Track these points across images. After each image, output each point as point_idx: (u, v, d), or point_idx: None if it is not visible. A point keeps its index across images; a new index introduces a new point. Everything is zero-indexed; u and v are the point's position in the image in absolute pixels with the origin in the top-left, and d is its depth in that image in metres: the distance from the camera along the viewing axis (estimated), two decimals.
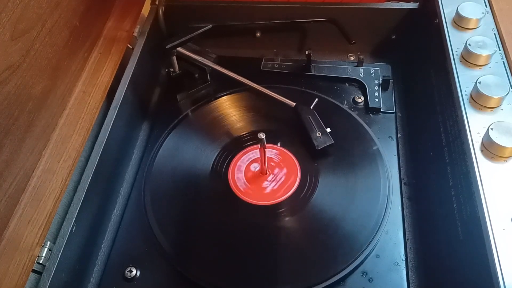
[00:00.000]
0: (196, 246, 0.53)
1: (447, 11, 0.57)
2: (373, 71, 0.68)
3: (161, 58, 0.74)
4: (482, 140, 0.43)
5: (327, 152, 0.58)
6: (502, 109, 0.45)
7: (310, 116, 0.60)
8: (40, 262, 0.44)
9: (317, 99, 0.62)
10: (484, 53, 0.49)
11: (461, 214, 0.43)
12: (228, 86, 0.68)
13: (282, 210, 0.54)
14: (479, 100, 0.46)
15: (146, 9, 0.73)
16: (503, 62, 0.50)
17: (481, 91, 0.45)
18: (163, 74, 0.74)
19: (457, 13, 0.55)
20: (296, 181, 0.56)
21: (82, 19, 0.59)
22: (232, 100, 0.67)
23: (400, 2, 0.69)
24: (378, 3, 0.69)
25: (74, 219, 0.47)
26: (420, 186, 0.56)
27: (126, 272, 0.50)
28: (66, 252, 0.46)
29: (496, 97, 0.45)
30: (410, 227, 0.53)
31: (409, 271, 0.49)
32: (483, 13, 0.54)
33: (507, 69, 0.49)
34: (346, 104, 0.65)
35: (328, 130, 0.59)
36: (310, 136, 0.58)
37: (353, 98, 0.66)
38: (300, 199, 0.55)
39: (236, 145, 0.61)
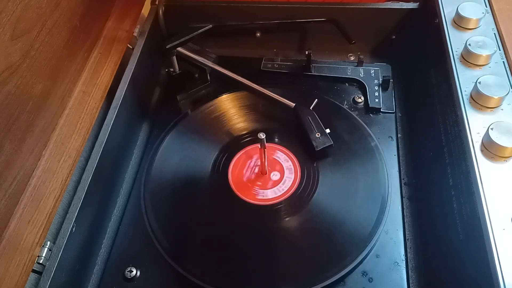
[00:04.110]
0: (196, 246, 0.53)
1: (447, 11, 0.57)
2: (373, 71, 0.68)
3: (161, 58, 0.74)
4: (482, 140, 0.43)
5: (327, 153, 0.58)
6: (502, 109, 0.45)
7: (309, 117, 0.60)
8: (40, 262, 0.44)
9: (316, 99, 0.62)
10: (484, 53, 0.49)
11: (461, 214, 0.43)
12: (228, 86, 0.68)
13: (282, 210, 0.54)
14: (479, 100, 0.46)
15: (146, 9, 0.73)
16: (503, 62, 0.50)
17: (481, 91, 0.45)
18: (163, 74, 0.74)
19: (457, 13, 0.55)
20: (296, 181, 0.56)
21: (82, 19, 0.59)
22: (232, 100, 0.67)
23: (400, 2, 0.69)
24: (378, 3, 0.69)
25: (74, 219, 0.47)
26: (420, 186, 0.56)
27: (126, 272, 0.50)
28: (66, 252, 0.46)
29: (496, 97, 0.45)
30: (410, 227, 0.53)
31: (409, 271, 0.49)
32: (483, 13, 0.54)
33: (507, 69, 0.49)
34: (346, 104, 0.65)
35: (328, 131, 0.59)
36: (310, 137, 0.58)
37: (353, 98, 0.66)
38: (300, 199, 0.55)
39: (236, 145, 0.61)
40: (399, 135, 0.62)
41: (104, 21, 0.67)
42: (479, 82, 0.46)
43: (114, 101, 0.58)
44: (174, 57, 0.65)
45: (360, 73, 0.68)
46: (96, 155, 0.52)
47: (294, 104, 0.62)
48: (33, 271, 0.44)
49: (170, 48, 0.63)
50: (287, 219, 0.53)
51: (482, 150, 0.43)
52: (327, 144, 0.57)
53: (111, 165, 0.57)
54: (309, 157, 0.58)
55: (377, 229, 0.51)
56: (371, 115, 0.64)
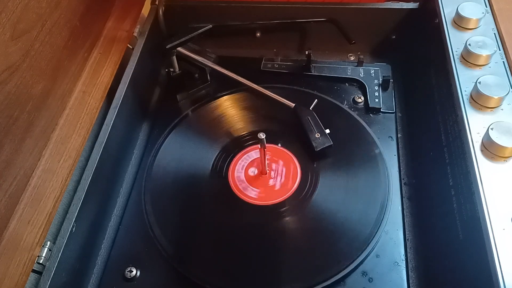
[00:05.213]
0: (196, 246, 0.53)
1: (447, 11, 0.57)
2: (373, 71, 0.68)
3: (161, 58, 0.74)
4: (482, 140, 0.43)
5: (327, 153, 0.58)
6: (502, 109, 0.45)
7: (309, 117, 0.60)
8: (40, 262, 0.44)
9: (316, 100, 0.62)
10: (484, 53, 0.49)
11: (461, 214, 0.43)
12: (228, 86, 0.68)
13: (282, 210, 0.54)
14: (479, 100, 0.46)
15: (146, 9, 0.73)
16: (503, 62, 0.50)
17: (481, 91, 0.45)
18: (163, 74, 0.74)
19: (457, 13, 0.55)
20: (296, 181, 0.56)
21: (82, 19, 0.59)
22: (232, 100, 0.67)
23: (400, 2, 0.69)
24: (378, 3, 0.69)
25: (74, 219, 0.47)
26: (420, 186, 0.56)
27: (126, 272, 0.50)
28: (66, 252, 0.46)
29: (496, 97, 0.45)
30: (410, 227, 0.53)
31: (409, 271, 0.49)
32: (483, 13, 0.54)
33: (507, 69, 0.49)
34: (346, 104, 0.65)
35: (327, 131, 0.59)
36: (309, 138, 0.58)
37: (353, 98, 0.66)
38: (300, 199, 0.55)
39: (236, 145, 0.61)
40: (399, 135, 0.62)
41: (104, 21, 0.67)
42: (479, 82, 0.46)
43: (114, 101, 0.58)
44: (174, 57, 0.65)
45: (360, 73, 0.68)
46: (96, 155, 0.52)
47: (294, 104, 0.62)
48: (33, 271, 0.44)
49: (170, 48, 0.63)
50: (287, 219, 0.53)
51: (482, 150, 0.43)
52: (327, 145, 0.57)
53: (111, 165, 0.57)
54: (309, 158, 0.58)
55: (377, 229, 0.51)
56: (371, 115, 0.64)
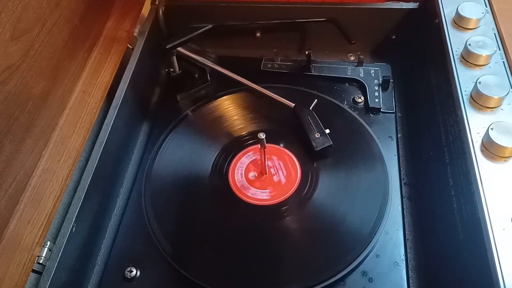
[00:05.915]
0: (196, 246, 0.53)
1: (447, 11, 0.57)
2: (373, 71, 0.68)
3: (161, 58, 0.74)
4: (482, 140, 0.43)
5: (327, 153, 0.58)
6: (502, 109, 0.45)
7: (309, 117, 0.60)
8: (40, 262, 0.44)
9: (316, 100, 0.62)
10: (484, 53, 0.49)
11: (461, 214, 0.43)
12: (228, 86, 0.68)
13: (282, 210, 0.54)
14: (479, 100, 0.46)
15: (146, 9, 0.73)
16: (503, 62, 0.50)
17: (481, 91, 0.45)
18: (163, 74, 0.74)
19: (457, 13, 0.55)
20: (296, 181, 0.56)
21: (82, 19, 0.59)
22: (232, 100, 0.67)
23: (400, 2, 0.69)
24: (378, 3, 0.69)
25: (74, 219, 0.47)
26: (420, 186, 0.56)
27: (126, 272, 0.50)
28: (66, 252, 0.46)
29: (496, 97, 0.45)
30: (410, 227, 0.53)
31: (409, 271, 0.49)
32: (483, 13, 0.54)
33: (507, 69, 0.49)
34: (346, 104, 0.65)
35: (327, 131, 0.59)
36: (309, 137, 0.58)
37: (353, 98, 0.66)
38: (300, 199, 0.55)
39: (236, 145, 0.61)
40: (399, 135, 0.62)
41: (104, 21, 0.67)
42: (479, 82, 0.46)
43: (114, 101, 0.58)
44: (174, 57, 0.65)
45: (360, 73, 0.68)
46: (96, 155, 0.52)
47: (294, 104, 0.62)
48: (33, 271, 0.44)
49: (170, 48, 0.63)
50: (287, 219, 0.53)
51: (482, 150, 0.43)
52: (327, 145, 0.57)
53: (111, 165, 0.57)
54: (309, 157, 0.58)
55: (377, 229, 0.51)
56: (371, 115, 0.64)
